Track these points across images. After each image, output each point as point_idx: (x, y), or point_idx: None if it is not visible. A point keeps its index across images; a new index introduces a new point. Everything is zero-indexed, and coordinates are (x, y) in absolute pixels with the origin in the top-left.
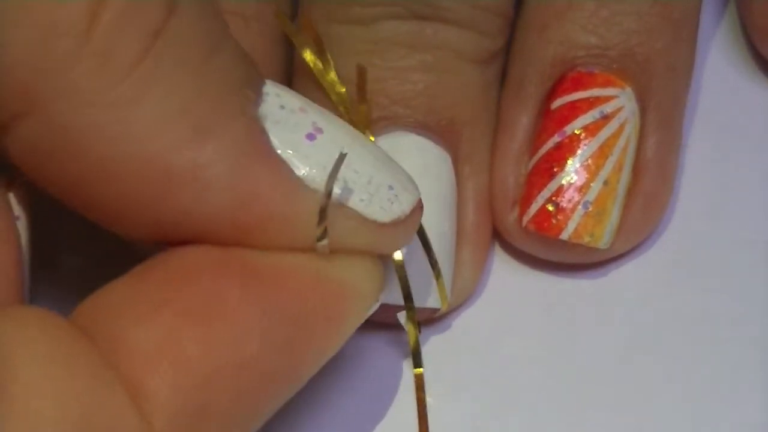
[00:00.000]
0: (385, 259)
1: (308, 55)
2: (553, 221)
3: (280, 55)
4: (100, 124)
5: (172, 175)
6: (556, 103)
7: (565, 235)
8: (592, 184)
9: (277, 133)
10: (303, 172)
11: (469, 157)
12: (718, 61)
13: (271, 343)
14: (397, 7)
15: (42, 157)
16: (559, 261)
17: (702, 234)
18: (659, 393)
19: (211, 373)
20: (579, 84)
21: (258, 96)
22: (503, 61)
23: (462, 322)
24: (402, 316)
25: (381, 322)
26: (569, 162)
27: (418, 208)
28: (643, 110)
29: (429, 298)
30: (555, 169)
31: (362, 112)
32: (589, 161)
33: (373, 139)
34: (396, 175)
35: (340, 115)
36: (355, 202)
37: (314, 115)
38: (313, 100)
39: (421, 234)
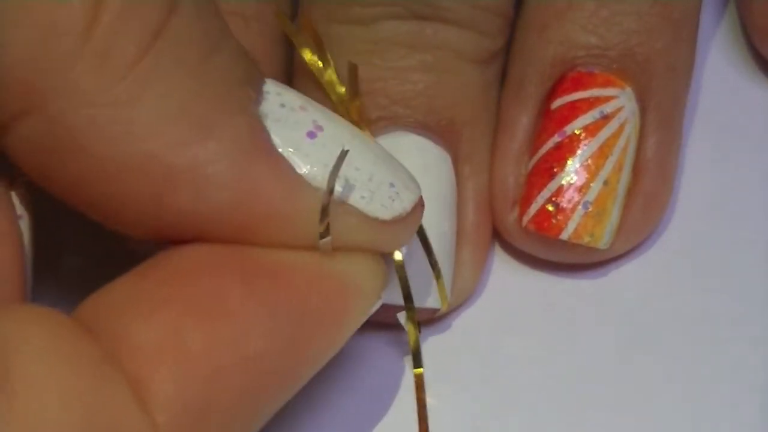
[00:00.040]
0: (385, 258)
1: (308, 55)
2: (553, 221)
3: (280, 55)
4: (100, 123)
5: (173, 173)
6: (556, 103)
7: (565, 235)
8: (592, 184)
9: (278, 132)
10: (304, 170)
11: (469, 157)
12: (718, 61)
13: (274, 340)
14: (397, 7)
15: (42, 157)
16: (559, 261)
17: (702, 234)
18: (659, 393)
19: (215, 370)
20: (579, 84)
21: (258, 94)
22: (503, 61)
23: (462, 322)
24: (402, 316)
25: (381, 322)
26: (569, 162)
27: (420, 205)
28: (643, 110)
29: (429, 298)
30: (555, 169)
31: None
32: (589, 161)
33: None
34: (397, 173)
35: (340, 115)
36: (356, 200)
37: (315, 113)
38: (313, 99)
39: (421, 234)
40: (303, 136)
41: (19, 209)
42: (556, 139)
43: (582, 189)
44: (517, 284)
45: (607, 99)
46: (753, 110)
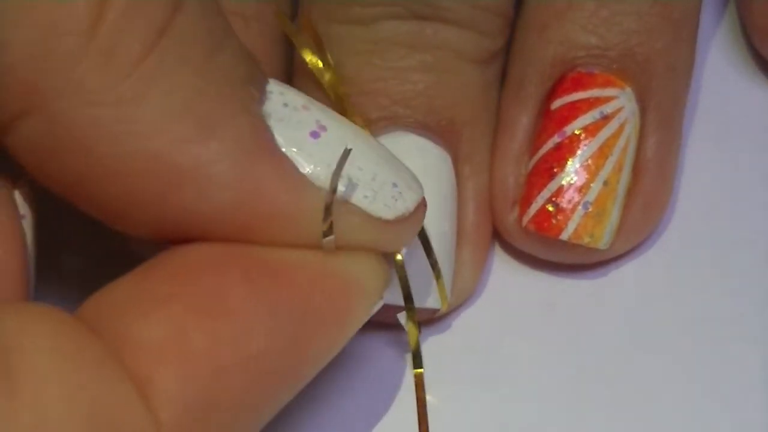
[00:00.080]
0: (386, 258)
1: (308, 55)
2: (553, 221)
3: (280, 55)
4: (103, 121)
5: (176, 172)
6: (556, 104)
7: (565, 236)
8: (592, 185)
9: (281, 131)
10: (307, 170)
11: (469, 157)
12: (718, 61)
13: (277, 339)
14: (397, 7)
15: (45, 156)
16: (559, 261)
17: (702, 234)
18: (659, 393)
19: (217, 368)
20: (579, 84)
21: (262, 94)
22: (503, 61)
23: (462, 322)
24: (402, 317)
25: (381, 322)
26: (569, 162)
27: (422, 206)
28: (643, 110)
29: (429, 299)
30: (555, 170)
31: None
32: (589, 161)
33: None
34: (400, 173)
35: (341, 114)
36: (359, 199)
37: (318, 113)
38: (314, 99)
39: (421, 234)
40: (306, 135)
41: (23, 209)
42: (556, 139)
43: (582, 189)
44: (517, 284)
45: (607, 99)
46: (753, 110)
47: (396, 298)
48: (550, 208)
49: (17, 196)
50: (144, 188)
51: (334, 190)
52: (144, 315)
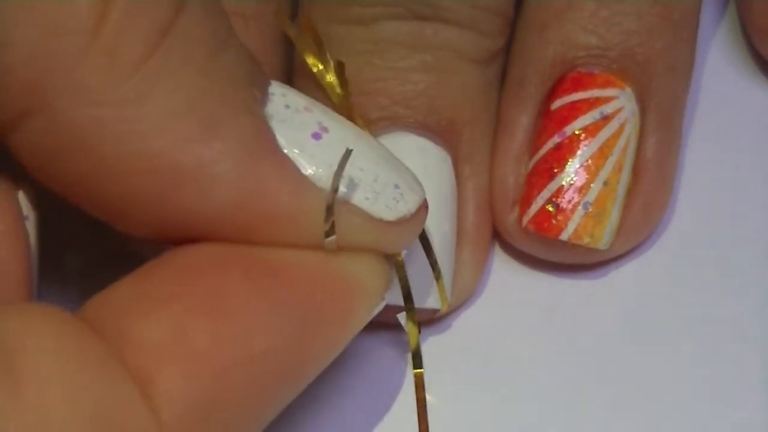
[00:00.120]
0: (387, 259)
1: (308, 56)
2: (553, 222)
3: (280, 55)
4: (106, 121)
5: (178, 172)
6: (556, 104)
7: (564, 236)
8: (591, 185)
9: (283, 133)
10: (309, 171)
11: (469, 158)
12: (718, 61)
13: (278, 339)
14: (397, 8)
15: (48, 156)
16: (559, 261)
17: (702, 234)
18: (659, 393)
19: (219, 368)
20: (579, 84)
21: (264, 95)
22: (503, 61)
23: (462, 322)
24: (402, 317)
25: (381, 322)
26: (569, 162)
27: (424, 207)
28: (643, 110)
29: (429, 299)
30: (555, 170)
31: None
32: (589, 162)
33: None
34: (402, 175)
35: (341, 115)
36: (360, 200)
37: (319, 114)
38: (314, 100)
39: (422, 234)
40: (308, 137)
41: (26, 209)
42: (556, 139)
43: (582, 189)
44: (517, 284)
45: (607, 99)
46: (753, 110)
47: (396, 298)
48: (550, 209)
49: (20, 196)
50: (146, 188)
51: (335, 190)
52: (146, 315)
